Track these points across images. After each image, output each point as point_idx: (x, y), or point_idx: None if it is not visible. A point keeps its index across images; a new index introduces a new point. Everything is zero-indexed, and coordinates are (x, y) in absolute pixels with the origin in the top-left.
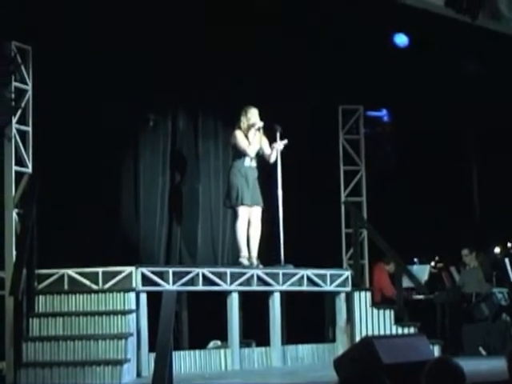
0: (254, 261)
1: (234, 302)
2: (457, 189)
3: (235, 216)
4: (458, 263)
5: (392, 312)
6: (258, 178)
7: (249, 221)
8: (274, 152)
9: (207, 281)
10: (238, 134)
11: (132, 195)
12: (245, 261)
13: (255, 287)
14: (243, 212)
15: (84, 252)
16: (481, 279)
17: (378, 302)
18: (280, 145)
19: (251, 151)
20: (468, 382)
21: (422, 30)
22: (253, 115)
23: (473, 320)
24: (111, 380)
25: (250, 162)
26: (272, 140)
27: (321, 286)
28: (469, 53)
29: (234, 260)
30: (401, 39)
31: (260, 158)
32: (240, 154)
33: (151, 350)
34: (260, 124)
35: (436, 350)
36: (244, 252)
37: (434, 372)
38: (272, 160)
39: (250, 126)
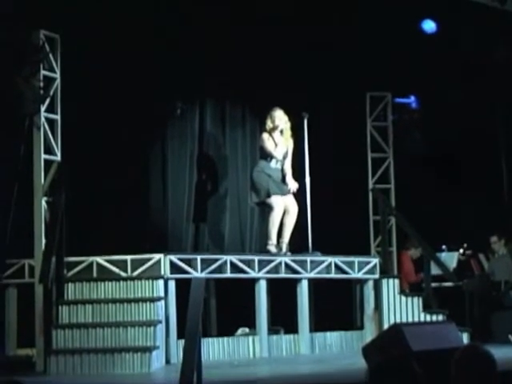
0: (284, 246)
1: (261, 290)
2: (486, 175)
3: (270, 207)
4: (486, 250)
5: (420, 299)
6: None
7: (285, 210)
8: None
9: (235, 268)
10: (265, 137)
11: (160, 182)
12: (272, 248)
13: (283, 274)
14: (278, 201)
15: (113, 240)
16: (510, 267)
17: (405, 289)
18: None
19: (278, 154)
20: (498, 369)
21: (450, 15)
22: (277, 117)
23: (502, 308)
24: (140, 367)
25: (275, 165)
26: (299, 129)
27: (349, 274)
28: (498, 38)
29: (262, 248)
30: (428, 25)
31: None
32: (267, 156)
33: (180, 337)
34: (283, 126)
35: (464, 338)
36: (273, 240)
37: (464, 359)
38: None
39: (274, 128)
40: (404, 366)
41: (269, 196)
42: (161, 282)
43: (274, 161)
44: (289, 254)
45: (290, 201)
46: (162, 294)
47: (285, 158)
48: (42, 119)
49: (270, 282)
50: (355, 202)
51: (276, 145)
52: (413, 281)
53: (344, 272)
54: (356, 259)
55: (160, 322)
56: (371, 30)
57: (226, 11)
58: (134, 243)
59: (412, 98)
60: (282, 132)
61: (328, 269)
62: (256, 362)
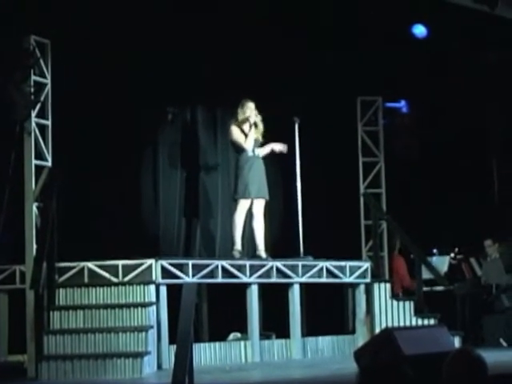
0: (263, 254)
1: (253, 294)
2: (476, 178)
3: (235, 208)
4: (477, 254)
5: (412, 303)
6: (266, 169)
7: (251, 213)
8: (267, 148)
9: (227, 273)
10: (234, 130)
11: (151, 188)
12: (237, 254)
13: (274, 279)
14: (244, 205)
15: (104, 245)
16: (501, 270)
17: (398, 293)
18: (278, 146)
19: (248, 146)
20: (489, 373)
21: (440, 20)
22: (248, 108)
23: (493, 311)
24: (132, 372)
25: (252, 153)
26: (289, 133)
27: (340, 278)
28: (488, 42)
29: (253, 253)
30: (419, 30)
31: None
32: (238, 149)
33: (171, 342)
34: (255, 119)
35: (456, 342)
36: (237, 245)
37: (456, 363)
38: (257, 152)
39: (245, 120)
40: (395, 370)
41: (244, 197)
42: (152, 287)
43: (249, 151)
44: (270, 258)
45: (257, 204)
46: (153, 299)
47: (257, 144)
48: (33, 125)
49: (262, 287)
50: (346, 207)
51: (246, 136)
52: (407, 286)
53: (335, 276)
54: (347, 263)
55: (151, 327)
56: (362, 35)
57: (217, 16)
58: (125, 248)
59: (402, 103)
60: (255, 125)
61: (319, 273)
62: (248, 366)
